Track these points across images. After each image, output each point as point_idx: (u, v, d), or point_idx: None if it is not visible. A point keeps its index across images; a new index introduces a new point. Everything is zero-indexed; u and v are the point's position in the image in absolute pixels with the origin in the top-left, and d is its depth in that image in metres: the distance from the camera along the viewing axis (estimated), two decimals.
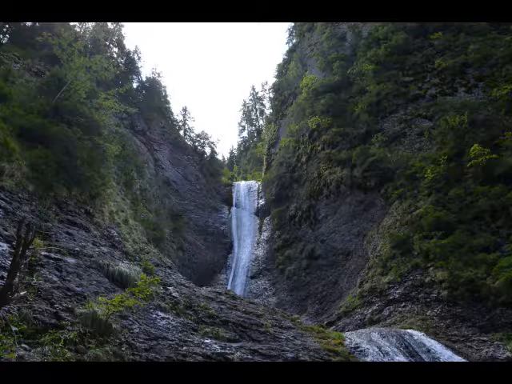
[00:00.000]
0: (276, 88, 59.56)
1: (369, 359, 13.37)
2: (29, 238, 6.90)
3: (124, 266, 14.19)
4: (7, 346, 7.12)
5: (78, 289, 11.04)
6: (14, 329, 7.61)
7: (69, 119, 19.78)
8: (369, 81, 34.55)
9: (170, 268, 19.86)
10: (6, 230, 11.36)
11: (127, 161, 33.13)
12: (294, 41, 60.50)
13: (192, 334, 11.92)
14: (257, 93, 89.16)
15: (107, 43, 48.37)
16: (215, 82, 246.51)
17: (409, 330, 16.36)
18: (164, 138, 49.88)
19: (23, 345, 7.65)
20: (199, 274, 36.73)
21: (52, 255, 11.94)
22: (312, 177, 35.81)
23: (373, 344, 14.50)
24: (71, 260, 12.46)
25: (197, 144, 58.01)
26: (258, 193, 49.80)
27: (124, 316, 10.80)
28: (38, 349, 7.75)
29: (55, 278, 10.82)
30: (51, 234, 13.34)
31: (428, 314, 18.29)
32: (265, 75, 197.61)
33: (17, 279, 7.06)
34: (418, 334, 15.78)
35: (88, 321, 9.46)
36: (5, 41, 32.89)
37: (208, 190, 49.81)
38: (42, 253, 11.64)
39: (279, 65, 60.45)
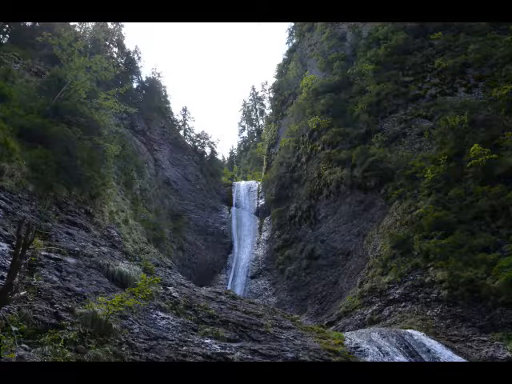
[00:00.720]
0: (276, 88, 59.54)
1: (369, 359, 13.37)
2: (29, 237, 6.90)
3: (124, 266, 14.19)
4: (7, 346, 7.12)
5: (78, 289, 11.04)
6: (14, 329, 7.60)
7: (69, 119, 19.79)
8: (369, 81, 34.55)
9: (169, 268, 19.86)
10: (6, 230, 11.36)
11: (127, 161, 33.13)
12: (294, 41, 60.48)
13: (192, 334, 11.92)
14: (257, 93, 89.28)
15: (107, 43, 48.33)
16: (215, 82, 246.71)
17: (409, 330, 16.35)
18: (164, 138, 49.87)
19: (23, 345, 7.64)
20: (199, 274, 36.72)
21: (52, 255, 11.94)
22: (312, 177, 35.81)
23: (373, 344, 14.49)
24: (71, 260, 12.46)
25: (197, 144, 58.00)
26: (258, 193, 49.78)
27: (124, 316, 10.80)
28: (38, 349, 7.75)
29: (55, 278, 10.82)
30: (51, 234, 13.33)
31: (428, 314, 18.29)
32: (265, 75, 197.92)
33: (17, 279, 7.06)
34: (418, 334, 15.77)
35: (88, 321, 9.46)
36: (5, 41, 32.85)
37: (208, 190, 49.80)
38: (42, 253, 11.63)
39: (279, 65, 60.44)
